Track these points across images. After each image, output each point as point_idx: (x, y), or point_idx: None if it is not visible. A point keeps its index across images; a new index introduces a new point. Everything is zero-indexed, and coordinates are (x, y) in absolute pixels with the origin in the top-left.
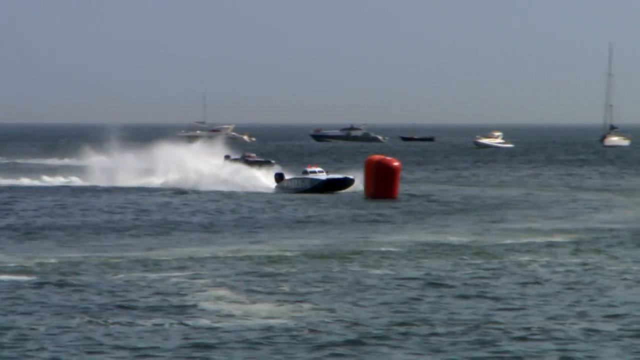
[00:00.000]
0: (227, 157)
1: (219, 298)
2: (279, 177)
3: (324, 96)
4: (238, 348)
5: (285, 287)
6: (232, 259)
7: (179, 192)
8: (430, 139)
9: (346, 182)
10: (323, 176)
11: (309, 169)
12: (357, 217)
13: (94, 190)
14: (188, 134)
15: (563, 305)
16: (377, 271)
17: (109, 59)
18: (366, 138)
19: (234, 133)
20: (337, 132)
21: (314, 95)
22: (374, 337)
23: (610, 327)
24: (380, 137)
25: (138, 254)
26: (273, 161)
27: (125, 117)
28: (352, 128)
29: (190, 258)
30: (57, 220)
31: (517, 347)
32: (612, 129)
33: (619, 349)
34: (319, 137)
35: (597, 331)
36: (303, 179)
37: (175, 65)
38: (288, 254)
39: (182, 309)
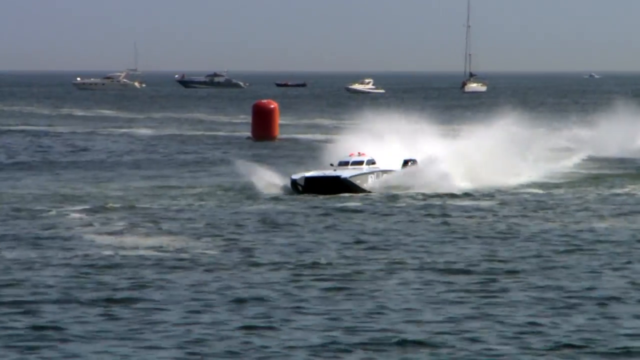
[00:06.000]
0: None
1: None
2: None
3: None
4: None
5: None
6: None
7: None
8: (303, 85)
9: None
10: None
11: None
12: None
13: None
14: (83, 81)
15: None
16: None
17: None
18: (229, 84)
19: (125, 80)
20: (202, 79)
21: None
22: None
23: None
24: (241, 83)
25: None
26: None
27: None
28: (215, 75)
29: None
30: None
31: None
32: (472, 77)
33: None
34: (185, 82)
35: None
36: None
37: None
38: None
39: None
